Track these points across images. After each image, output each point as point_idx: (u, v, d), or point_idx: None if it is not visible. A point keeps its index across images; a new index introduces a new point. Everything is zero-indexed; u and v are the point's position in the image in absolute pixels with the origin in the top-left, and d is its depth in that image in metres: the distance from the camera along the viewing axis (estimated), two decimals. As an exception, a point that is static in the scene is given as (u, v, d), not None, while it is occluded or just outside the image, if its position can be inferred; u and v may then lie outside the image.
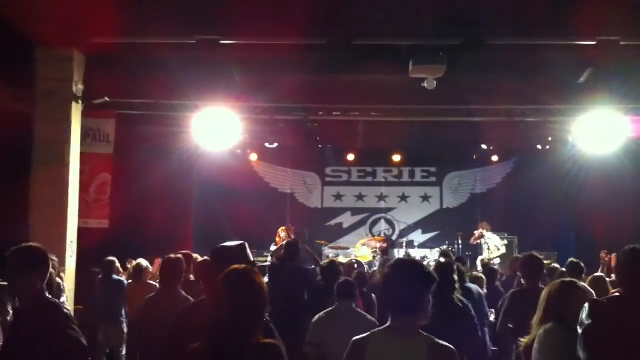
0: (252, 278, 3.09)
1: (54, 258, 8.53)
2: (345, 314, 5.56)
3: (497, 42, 9.44)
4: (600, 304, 3.72)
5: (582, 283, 4.53)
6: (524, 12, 8.88)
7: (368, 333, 3.21)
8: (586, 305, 3.69)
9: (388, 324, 3.20)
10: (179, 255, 6.10)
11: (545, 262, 8.58)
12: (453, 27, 9.19)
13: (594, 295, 6.60)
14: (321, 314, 5.62)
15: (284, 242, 13.57)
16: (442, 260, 6.69)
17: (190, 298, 5.48)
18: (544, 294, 4.35)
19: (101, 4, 8.19)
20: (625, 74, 10.52)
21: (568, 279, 4.56)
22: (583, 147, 12.49)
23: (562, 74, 11.02)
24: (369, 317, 5.76)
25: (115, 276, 9.07)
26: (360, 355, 3.14)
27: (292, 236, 13.81)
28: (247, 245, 4.02)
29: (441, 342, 3.11)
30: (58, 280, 8.45)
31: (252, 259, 4.03)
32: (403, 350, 3.11)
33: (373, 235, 16.89)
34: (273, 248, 13.36)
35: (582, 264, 7.82)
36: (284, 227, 14.47)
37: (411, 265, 3.34)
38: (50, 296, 3.79)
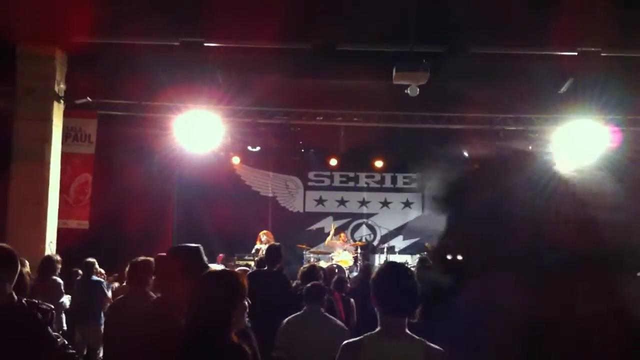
0: (231, 279, 3.14)
1: (58, 258, 8.52)
2: (313, 317, 5.51)
3: (480, 50, 9.53)
4: None
5: None
6: (506, 22, 8.95)
7: (361, 337, 3.19)
8: None
9: (379, 326, 3.18)
10: (149, 258, 6.05)
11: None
12: (436, 34, 9.26)
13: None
14: (289, 317, 5.58)
15: (266, 246, 13.62)
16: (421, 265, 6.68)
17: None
18: None
19: (84, 2, 8.15)
20: (605, 84, 10.63)
21: None
22: (563, 156, 12.58)
23: (543, 84, 11.11)
24: (337, 321, 5.72)
25: (94, 277, 9.01)
26: (354, 358, 3.11)
27: (273, 240, 13.84)
28: (202, 249, 4.02)
29: (432, 345, 3.13)
30: (59, 280, 8.44)
31: (207, 263, 4.03)
32: (400, 352, 3.11)
33: (354, 240, 16.92)
34: (259, 247, 13.44)
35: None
36: (265, 231, 14.46)
37: (403, 268, 3.35)
38: (18, 297, 3.59)
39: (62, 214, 10.23)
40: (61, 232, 10.10)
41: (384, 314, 3.17)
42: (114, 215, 12.78)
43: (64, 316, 8.51)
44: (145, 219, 13.87)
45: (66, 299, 8.63)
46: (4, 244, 3.75)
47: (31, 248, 8.82)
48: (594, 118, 11.45)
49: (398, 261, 14.70)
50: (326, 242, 15.87)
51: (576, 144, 11.66)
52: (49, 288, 8.04)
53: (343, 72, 10.18)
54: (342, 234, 16.18)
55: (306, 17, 8.74)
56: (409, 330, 3.16)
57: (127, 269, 8.11)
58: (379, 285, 3.23)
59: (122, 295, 5.93)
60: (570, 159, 12.42)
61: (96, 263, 9.22)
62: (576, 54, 9.49)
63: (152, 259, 5.93)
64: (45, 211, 9.58)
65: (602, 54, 9.45)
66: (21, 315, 3.54)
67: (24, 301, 3.61)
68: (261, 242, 13.98)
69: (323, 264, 12.85)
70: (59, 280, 8.42)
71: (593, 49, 9.41)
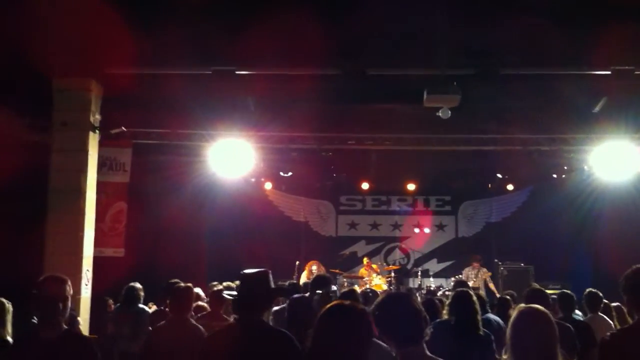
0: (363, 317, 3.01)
1: (139, 286, 8.57)
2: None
3: (512, 71, 9.46)
4: (606, 341, 3.59)
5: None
6: (538, 42, 8.90)
7: None
8: None
9: (399, 356, 3.14)
10: (189, 284, 6.11)
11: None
12: (467, 57, 9.23)
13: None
14: None
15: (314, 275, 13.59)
16: (461, 289, 6.53)
17: (200, 327, 5.45)
18: None
19: (118, 35, 8.30)
20: (640, 103, 10.49)
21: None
22: (599, 176, 12.40)
23: (576, 103, 10.98)
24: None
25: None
26: None
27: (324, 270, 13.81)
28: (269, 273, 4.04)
29: None
30: (146, 308, 8.52)
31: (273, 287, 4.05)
32: None
33: (388, 264, 16.82)
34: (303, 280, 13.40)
35: (600, 294, 7.74)
36: (314, 261, 14.51)
37: (409, 297, 3.32)
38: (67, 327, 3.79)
39: (97, 243, 10.32)
40: (97, 261, 10.20)
41: (402, 343, 3.11)
42: (148, 242, 12.90)
43: None
44: (179, 245, 13.97)
45: None
46: (59, 275, 3.87)
47: (68, 276, 8.89)
48: (629, 137, 11.27)
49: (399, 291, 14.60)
50: (359, 272, 15.78)
51: (612, 164, 11.47)
52: (135, 317, 8.14)
53: (374, 96, 10.20)
54: (365, 259, 16.05)
55: (337, 43, 8.79)
56: None
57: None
58: (393, 316, 3.18)
59: (162, 322, 5.94)
60: (606, 178, 12.25)
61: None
62: (610, 72, 9.38)
63: (191, 286, 5.98)
64: (81, 240, 9.67)
65: (636, 72, 9.32)
66: (78, 342, 3.84)
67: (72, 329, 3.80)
68: (311, 274, 13.88)
69: (357, 289, 12.77)
70: (146, 308, 8.50)
71: (626, 68, 9.28)
